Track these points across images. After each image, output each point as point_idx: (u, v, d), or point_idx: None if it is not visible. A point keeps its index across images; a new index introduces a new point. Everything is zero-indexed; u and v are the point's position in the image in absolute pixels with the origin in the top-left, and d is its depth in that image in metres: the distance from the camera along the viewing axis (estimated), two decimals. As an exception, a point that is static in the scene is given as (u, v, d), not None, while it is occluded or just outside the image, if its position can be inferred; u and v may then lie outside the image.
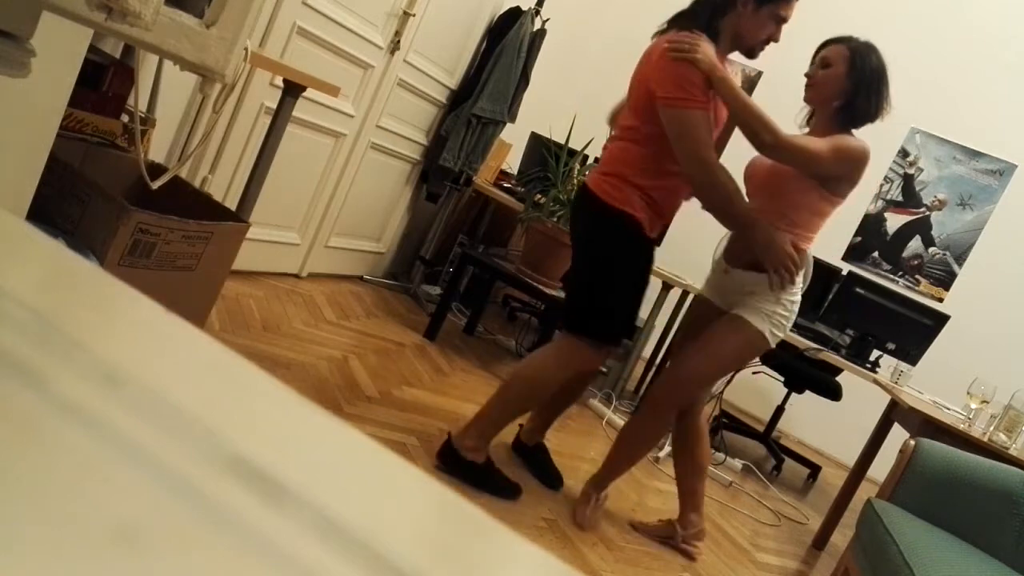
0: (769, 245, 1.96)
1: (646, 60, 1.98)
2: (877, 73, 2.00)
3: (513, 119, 3.87)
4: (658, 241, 2.14)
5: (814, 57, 2.08)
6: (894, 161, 4.82)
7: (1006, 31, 4.55)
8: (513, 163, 4.34)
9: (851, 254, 4.91)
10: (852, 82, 1.99)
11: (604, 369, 3.72)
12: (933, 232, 4.76)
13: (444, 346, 3.24)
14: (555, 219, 3.07)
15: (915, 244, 4.80)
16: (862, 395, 3.93)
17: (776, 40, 2.01)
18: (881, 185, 4.86)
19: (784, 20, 1.98)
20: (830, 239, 4.85)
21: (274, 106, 2.13)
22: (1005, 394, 2.61)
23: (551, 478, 2.36)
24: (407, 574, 0.17)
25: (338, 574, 0.16)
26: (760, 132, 1.87)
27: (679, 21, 1.96)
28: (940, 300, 4.65)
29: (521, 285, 3.18)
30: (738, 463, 3.49)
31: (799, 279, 2.04)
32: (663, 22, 2.02)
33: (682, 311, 3.81)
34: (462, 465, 2.07)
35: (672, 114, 1.87)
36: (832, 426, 4.68)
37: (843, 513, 3.02)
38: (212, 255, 1.82)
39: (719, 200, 1.93)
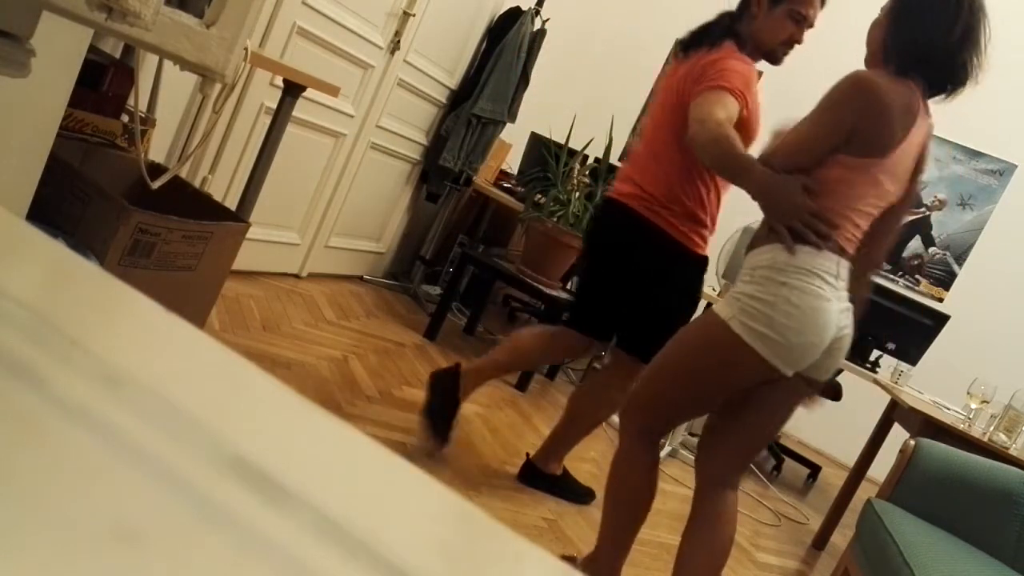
0: (766, 192, 1.50)
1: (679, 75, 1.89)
2: None
3: (513, 119, 3.87)
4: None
5: None
6: (894, 161, 4.82)
7: (1006, 31, 4.55)
8: (513, 163, 4.34)
9: (851, 254, 4.90)
10: None
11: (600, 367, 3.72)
12: (933, 232, 4.76)
13: (444, 346, 3.24)
14: (555, 219, 3.07)
15: (915, 244, 4.80)
16: (862, 395, 3.92)
17: (799, 41, 1.88)
18: (881, 185, 4.86)
19: (803, 18, 1.85)
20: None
21: (274, 106, 2.13)
22: (1005, 394, 2.61)
23: (580, 495, 2.37)
24: (407, 574, 0.17)
25: (338, 574, 0.16)
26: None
27: (704, 37, 1.90)
28: (940, 300, 4.65)
29: (521, 285, 3.18)
30: (738, 463, 3.48)
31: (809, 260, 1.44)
32: (687, 35, 1.95)
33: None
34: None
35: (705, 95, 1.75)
36: (832, 426, 4.67)
37: (843, 513, 3.02)
38: (212, 255, 1.82)
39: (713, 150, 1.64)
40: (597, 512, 2.33)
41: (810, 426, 4.81)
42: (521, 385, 3.17)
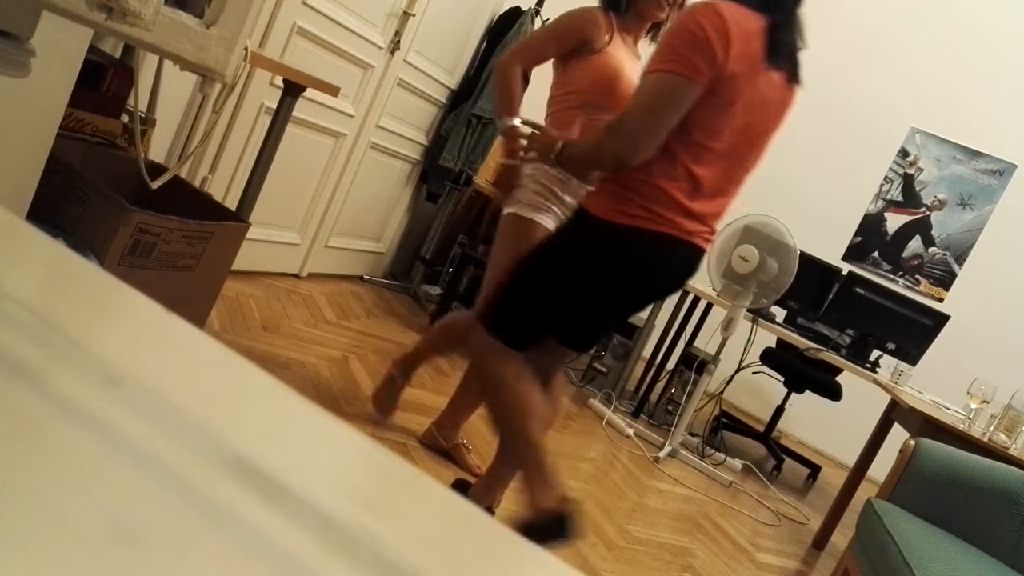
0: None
1: None
2: None
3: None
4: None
5: None
6: (894, 161, 4.82)
7: (1006, 31, 4.55)
8: (513, 163, 4.34)
9: (851, 254, 4.91)
10: None
11: (604, 369, 3.72)
12: (933, 232, 4.76)
13: (444, 346, 3.24)
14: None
15: (915, 244, 4.80)
16: (862, 395, 3.93)
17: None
18: (881, 185, 4.86)
19: None
20: (830, 238, 4.85)
21: (274, 106, 2.13)
22: (1005, 394, 2.61)
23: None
24: (407, 574, 0.17)
25: (338, 573, 0.16)
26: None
27: None
28: (940, 300, 4.65)
29: (521, 285, 3.18)
30: (738, 463, 3.49)
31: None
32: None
33: (682, 311, 3.81)
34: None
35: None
36: (832, 426, 4.68)
37: (843, 513, 3.02)
38: (212, 255, 1.82)
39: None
40: (597, 510, 2.33)
41: (810, 426, 4.81)
42: (521, 385, 3.16)
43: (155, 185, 1.61)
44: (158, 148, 2.36)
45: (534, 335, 1.71)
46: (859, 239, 4.91)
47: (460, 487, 1.98)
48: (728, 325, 3.02)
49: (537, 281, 1.69)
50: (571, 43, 1.92)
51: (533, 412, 1.68)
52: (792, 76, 1.59)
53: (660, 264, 1.65)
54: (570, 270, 1.65)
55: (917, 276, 4.78)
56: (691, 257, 1.67)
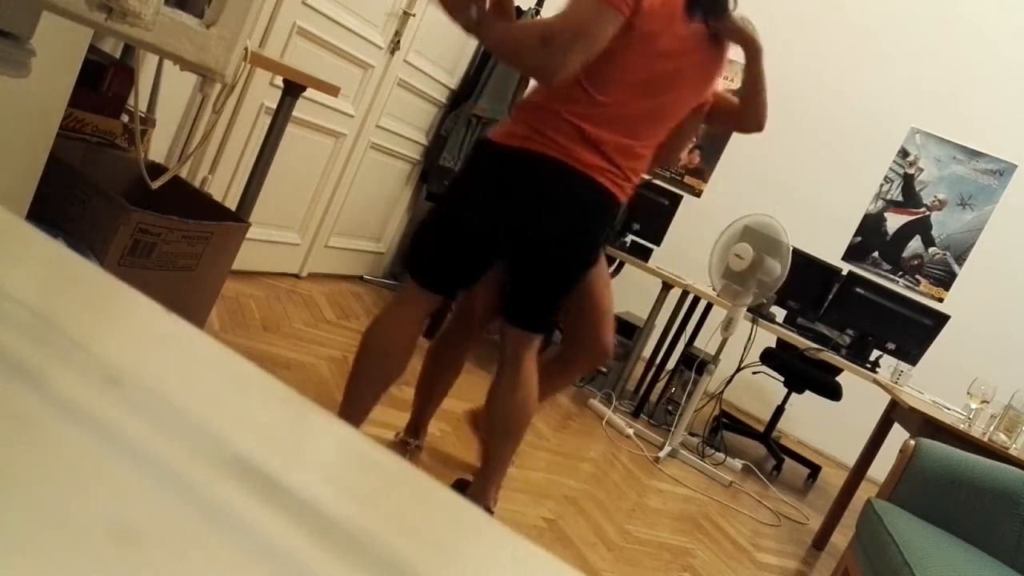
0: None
1: None
2: None
3: (513, 119, 3.88)
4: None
5: None
6: (894, 161, 4.82)
7: (1006, 31, 4.55)
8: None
9: (851, 254, 4.91)
10: None
11: (604, 369, 3.71)
12: (933, 232, 4.76)
13: (444, 346, 3.23)
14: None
15: (915, 244, 4.80)
16: (862, 395, 3.93)
17: None
18: (881, 185, 4.86)
19: None
20: (830, 238, 4.85)
21: (274, 106, 2.13)
22: (1005, 394, 2.61)
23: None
24: (407, 574, 0.17)
25: (338, 573, 0.16)
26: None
27: None
28: (940, 300, 4.65)
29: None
30: (738, 463, 3.49)
31: None
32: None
33: (682, 311, 3.81)
34: None
35: None
36: (832, 426, 4.68)
37: (843, 513, 3.02)
38: (212, 255, 1.82)
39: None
40: (597, 510, 2.33)
41: (810, 426, 4.81)
42: (521, 385, 3.16)
43: (155, 185, 1.61)
44: (158, 148, 2.36)
45: (438, 274, 1.74)
46: (859, 239, 4.91)
47: (460, 487, 1.98)
48: (728, 325, 3.02)
49: (433, 214, 1.74)
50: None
51: (378, 353, 1.76)
52: (717, 34, 1.63)
53: (553, 192, 1.59)
54: (462, 196, 1.67)
55: (917, 276, 4.78)
56: (593, 195, 1.61)
